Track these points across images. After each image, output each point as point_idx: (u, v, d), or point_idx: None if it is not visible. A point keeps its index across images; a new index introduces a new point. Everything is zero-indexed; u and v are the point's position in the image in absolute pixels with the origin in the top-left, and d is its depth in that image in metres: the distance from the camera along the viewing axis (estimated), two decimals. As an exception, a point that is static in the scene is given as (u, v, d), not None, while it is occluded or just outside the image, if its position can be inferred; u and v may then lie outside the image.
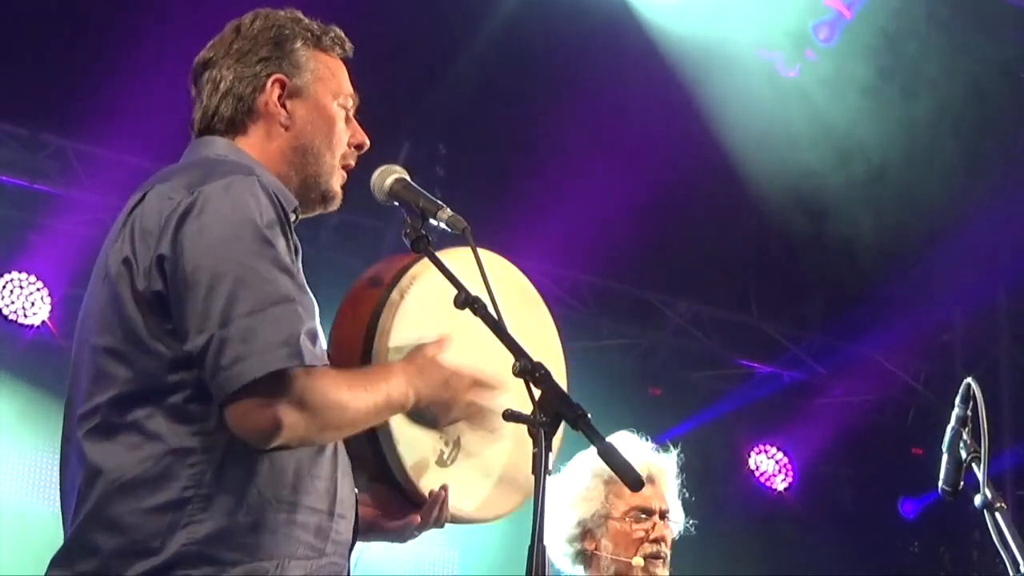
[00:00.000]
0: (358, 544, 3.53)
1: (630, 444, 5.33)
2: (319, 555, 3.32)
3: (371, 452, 3.49)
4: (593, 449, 5.21)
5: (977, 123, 9.91)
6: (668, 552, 5.24)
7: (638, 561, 5.16)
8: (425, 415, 3.46)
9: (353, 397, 3.26)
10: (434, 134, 10.53)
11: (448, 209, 3.57)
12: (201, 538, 3.17)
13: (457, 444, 3.61)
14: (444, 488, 3.56)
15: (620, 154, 10.32)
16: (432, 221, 3.57)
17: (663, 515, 5.26)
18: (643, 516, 5.23)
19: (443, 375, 3.46)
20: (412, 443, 3.51)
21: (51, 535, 3.42)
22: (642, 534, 5.21)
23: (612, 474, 5.13)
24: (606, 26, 9.82)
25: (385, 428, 3.46)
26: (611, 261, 11.08)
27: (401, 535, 3.65)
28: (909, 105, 9.84)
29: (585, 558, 5.23)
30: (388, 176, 3.65)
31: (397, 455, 3.50)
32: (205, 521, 3.18)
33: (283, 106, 3.56)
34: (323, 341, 3.36)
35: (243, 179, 3.27)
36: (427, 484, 3.56)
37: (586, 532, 5.22)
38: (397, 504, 3.61)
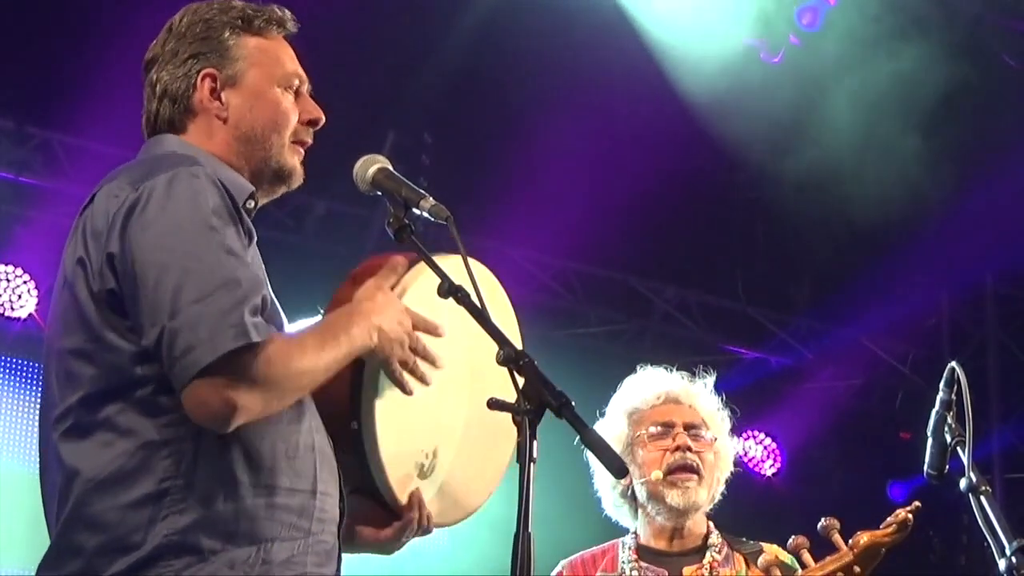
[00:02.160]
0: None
1: (645, 378, 5.24)
2: (305, 535, 3.32)
3: (358, 466, 3.49)
4: (620, 392, 5.20)
5: (965, 107, 9.92)
6: (702, 464, 5.06)
7: (656, 475, 5.00)
8: (379, 353, 3.42)
9: (309, 357, 3.25)
10: (419, 123, 10.52)
11: (431, 198, 3.55)
12: (181, 528, 3.18)
13: (435, 454, 3.63)
14: (415, 494, 3.57)
15: (606, 141, 10.32)
16: (415, 210, 3.56)
17: (688, 428, 5.10)
18: (663, 430, 5.08)
19: (399, 311, 3.44)
20: (397, 458, 3.52)
21: (39, 537, 3.42)
22: (664, 447, 5.06)
23: (634, 405, 5.11)
24: (591, 13, 9.82)
25: (373, 445, 3.46)
26: (597, 248, 11.08)
27: (387, 547, 3.64)
28: (897, 88, 9.84)
29: (630, 498, 5.13)
30: (370, 166, 3.64)
31: (383, 472, 3.50)
32: (184, 511, 3.19)
33: (219, 99, 3.55)
34: (280, 312, 3.37)
35: (187, 170, 3.28)
36: (408, 496, 3.58)
37: None
38: (379, 516, 3.61)
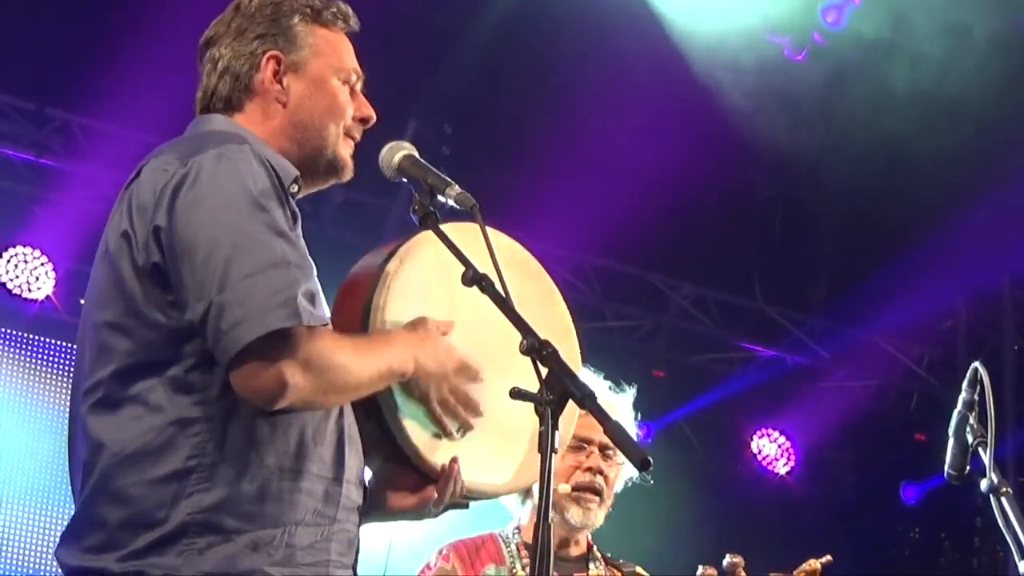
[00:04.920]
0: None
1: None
2: (330, 522, 3.33)
3: (380, 432, 3.47)
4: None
5: (983, 109, 9.89)
6: (606, 488, 5.11)
7: (564, 488, 5.04)
8: (417, 388, 3.44)
9: (356, 360, 3.27)
10: (440, 113, 10.52)
11: (456, 186, 3.56)
12: (206, 507, 3.19)
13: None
14: (455, 460, 3.53)
15: (626, 137, 10.30)
16: (440, 198, 3.56)
17: (604, 448, 5.12)
18: (580, 446, 5.09)
19: (441, 350, 3.46)
20: (419, 419, 3.49)
21: (58, 505, 3.43)
22: (575, 463, 5.09)
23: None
24: (615, 7, 9.81)
25: (390, 406, 3.45)
26: (615, 243, 11.07)
27: (419, 512, 3.60)
28: (917, 91, 9.82)
29: (528, 491, 5.09)
30: (397, 152, 3.65)
31: (405, 434, 3.47)
32: (209, 490, 3.19)
33: (280, 82, 3.55)
34: (324, 305, 3.36)
35: (235, 148, 3.28)
36: (440, 459, 3.53)
37: None
38: (413, 482, 3.57)
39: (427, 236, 3.56)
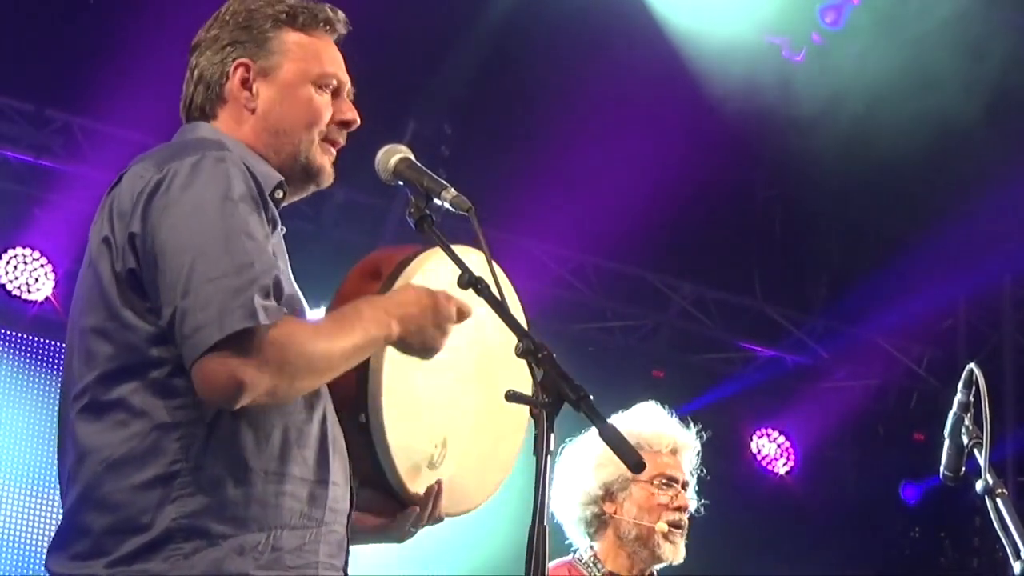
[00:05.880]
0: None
1: (657, 415, 5.34)
2: (318, 524, 3.33)
3: (366, 457, 3.49)
4: (621, 414, 5.27)
5: (985, 110, 9.89)
6: (686, 525, 5.27)
7: (662, 527, 5.17)
8: (413, 345, 3.42)
9: (321, 342, 3.24)
10: (439, 114, 10.52)
11: (452, 189, 3.55)
12: (191, 512, 3.19)
13: (444, 444, 3.62)
14: (439, 483, 3.58)
15: (626, 136, 10.30)
16: (436, 201, 3.55)
17: (684, 486, 5.28)
18: (668, 483, 5.23)
19: (414, 292, 3.43)
20: (406, 450, 3.52)
21: (59, 506, 3.43)
22: (666, 500, 5.21)
23: (640, 438, 5.17)
24: (614, 7, 9.81)
25: (381, 437, 3.47)
26: (615, 243, 11.07)
27: (393, 535, 3.64)
28: (917, 92, 9.82)
29: (601, 522, 5.22)
30: (392, 155, 3.64)
31: (391, 461, 3.50)
32: (194, 495, 3.20)
33: (249, 89, 3.54)
34: (303, 301, 3.38)
35: (213, 154, 3.29)
36: (418, 487, 3.57)
37: (608, 494, 5.20)
38: (390, 508, 3.60)
39: (416, 263, 3.56)
